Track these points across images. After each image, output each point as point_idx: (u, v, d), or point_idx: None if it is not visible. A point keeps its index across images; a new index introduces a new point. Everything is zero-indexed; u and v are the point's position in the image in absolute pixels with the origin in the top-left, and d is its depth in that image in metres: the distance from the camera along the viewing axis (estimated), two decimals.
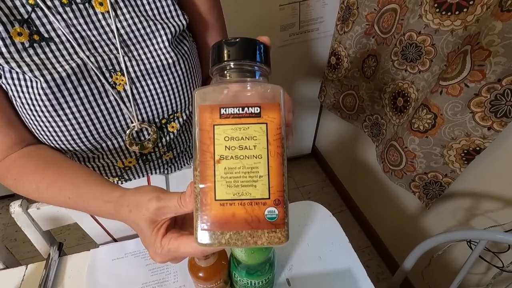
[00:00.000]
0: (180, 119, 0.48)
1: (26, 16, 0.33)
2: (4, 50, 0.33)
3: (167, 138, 0.48)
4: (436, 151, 0.78)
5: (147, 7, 0.39)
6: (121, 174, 0.49)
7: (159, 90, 0.42)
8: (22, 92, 0.35)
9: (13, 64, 0.33)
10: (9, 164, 0.38)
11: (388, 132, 0.99)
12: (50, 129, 0.38)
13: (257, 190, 0.20)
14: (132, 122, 0.42)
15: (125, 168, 0.48)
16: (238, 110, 0.21)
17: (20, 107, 0.37)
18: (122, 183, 0.51)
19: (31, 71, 0.33)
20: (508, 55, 0.56)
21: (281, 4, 1.05)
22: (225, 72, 0.22)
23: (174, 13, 0.40)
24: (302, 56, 1.23)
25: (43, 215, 0.52)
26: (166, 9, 0.40)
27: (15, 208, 0.50)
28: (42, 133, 0.39)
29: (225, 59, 0.22)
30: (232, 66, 0.22)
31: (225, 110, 0.21)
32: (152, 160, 0.50)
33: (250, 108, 0.21)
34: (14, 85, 0.35)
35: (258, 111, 0.21)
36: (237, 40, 0.22)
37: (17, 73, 0.34)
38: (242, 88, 0.21)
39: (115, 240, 0.61)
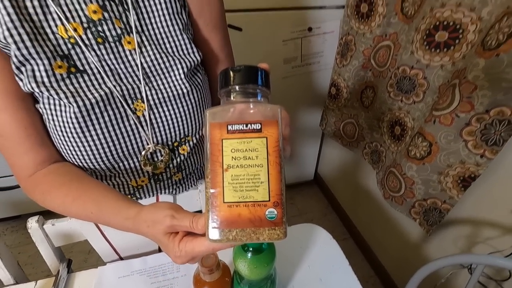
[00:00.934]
0: (191, 142, 0.52)
1: (66, 52, 0.39)
2: (46, 80, 0.38)
3: (178, 159, 0.52)
4: (433, 177, 0.81)
5: (167, 45, 0.45)
6: (134, 192, 0.53)
7: (173, 116, 0.46)
8: (56, 115, 0.40)
9: (52, 92, 0.38)
10: (38, 180, 0.42)
11: (387, 159, 1.02)
12: (76, 148, 0.42)
13: (259, 194, 0.24)
14: (147, 144, 0.47)
15: (137, 186, 0.52)
16: (243, 126, 0.25)
17: (52, 128, 0.41)
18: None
19: (66, 97, 0.39)
20: (493, 89, 0.61)
21: (284, 39, 1.13)
22: (232, 94, 0.26)
23: (190, 50, 0.46)
24: (304, 86, 1.31)
25: (56, 231, 0.55)
26: (184, 47, 0.46)
27: (32, 223, 0.53)
28: (69, 152, 0.43)
29: (231, 83, 0.26)
30: (237, 89, 0.26)
31: (232, 127, 0.25)
32: (162, 180, 0.53)
33: (252, 125, 0.25)
34: (50, 109, 0.40)
35: (259, 127, 0.25)
36: (241, 67, 0.26)
37: (53, 99, 0.39)
38: (246, 107, 0.25)
39: (121, 259, 0.63)
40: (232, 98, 0.26)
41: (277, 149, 0.24)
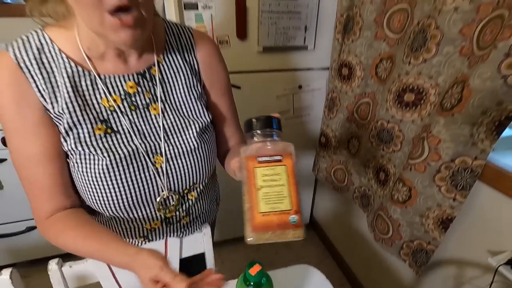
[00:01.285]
0: (198, 189, 0.61)
1: (106, 117, 0.50)
2: (87, 140, 0.48)
3: (187, 204, 0.60)
4: (416, 220, 0.89)
5: (185, 110, 0.56)
6: (147, 235, 0.60)
7: (185, 167, 0.56)
8: (90, 167, 0.49)
9: (91, 149, 0.48)
10: (54, 221, 0.50)
11: (375, 203, 1.10)
12: (104, 195, 0.51)
13: (284, 205, 0.36)
14: (162, 191, 0.55)
15: (151, 229, 0.59)
16: (268, 158, 0.37)
17: (84, 177, 0.50)
18: (145, 243, 0.61)
19: (102, 153, 0.48)
20: (454, 142, 0.73)
21: (278, 95, 1.29)
22: (255, 136, 0.39)
23: (202, 114, 0.57)
24: (297, 135, 1.43)
25: (73, 273, 0.60)
26: (197, 111, 0.57)
27: (52, 265, 0.58)
28: (96, 197, 0.51)
29: (255, 128, 0.39)
30: (259, 132, 0.39)
31: (261, 159, 0.37)
32: (172, 223, 0.61)
33: (275, 157, 0.37)
34: (85, 162, 0.49)
35: (280, 158, 0.37)
36: (261, 116, 0.40)
37: (89, 154, 0.48)
38: (268, 145, 0.38)
39: None
40: (257, 138, 0.39)
41: (294, 173, 0.37)
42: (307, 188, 1.65)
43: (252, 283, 0.45)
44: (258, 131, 0.39)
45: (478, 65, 0.64)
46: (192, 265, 0.68)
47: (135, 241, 0.61)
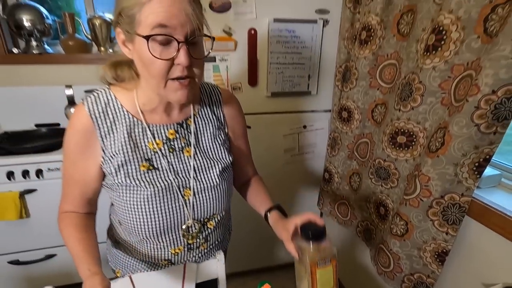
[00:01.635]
0: (216, 219, 0.70)
1: (149, 157, 0.62)
2: (135, 175, 0.60)
3: (206, 232, 0.69)
4: (414, 253, 0.94)
5: (211, 153, 0.68)
6: (170, 259, 0.68)
7: (208, 200, 0.66)
8: (134, 196, 0.60)
9: (137, 182, 0.59)
10: (65, 217, 0.64)
11: (377, 237, 1.16)
12: (141, 219, 0.61)
13: (331, 285, 0.58)
14: (188, 220, 0.65)
15: (175, 253, 0.68)
16: (324, 261, 0.57)
17: (128, 205, 0.61)
18: (168, 267, 0.70)
19: (145, 185, 0.60)
20: (441, 180, 0.82)
21: (284, 134, 1.41)
22: (312, 242, 0.58)
23: (224, 156, 0.69)
24: (302, 171, 1.53)
25: None
26: (221, 154, 0.69)
27: None
28: (135, 221, 0.61)
29: (311, 237, 0.58)
30: (314, 240, 0.58)
31: (319, 263, 0.57)
32: (193, 249, 0.69)
33: (328, 261, 0.58)
34: (131, 192, 0.60)
35: (330, 260, 0.58)
36: (316, 229, 0.59)
37: (135, 186, 0.60)
38: (322, 249, 0.58)
39: None
40: (312, 244, 0.58)
41: (336, 269, 0.58)
42: None
43: None
44: (314, 240, 0.58)
45: (456, 114, 0.75)
46: None
47: (160, 264, 0.69)
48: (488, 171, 0.89)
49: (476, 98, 0.69)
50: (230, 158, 0.70)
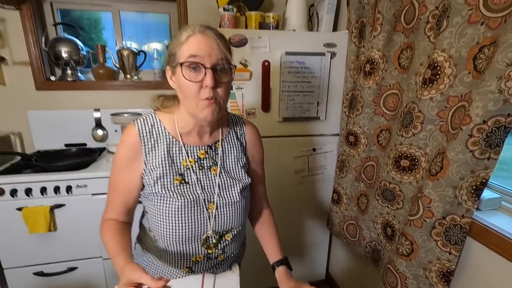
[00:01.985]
0: (233, 233, 0.78)
1: (182, 172, 0.72)
2: (169, 186, 0.70)
3: (223, 244, 0.77)
4: (420, 272, 0.98)
5: (233, 174, 0.78)
6: (191, 266, 0.76)
7: (228, 215, 0.75)
8: (167, 206, 0.69)
9: (171, 193, 0.69)
10: (106, 223, 0.74)
11: (385, 257, 1.19)
12: (170, 226, 0.70)
13: None
14: (208, 231, 0.73)
15: (195, 261, 0.75)
16: None
17: (161, 213, 0.70)
18: (188, 275, 0.77)
19: (177, 196, 0.69)
20: (442, 201, 0.87)
21: (295, 156, 1.49)
22: None
23: (244, 177, 0.79)
24: (312, 192, 1.59)
25: None
26: (241, 175, 0.79)
27: None
28: (164, 228, 0.70)
29: None
30: None
31: None
32: (211, 259, 0.77)
33: None
34: (165, 202, 0.69)
35: None
36: None
37: (169, 196, 0.69)
38: None
39: None
40: None
41: None
42: (322, 243, 1.74)
43: None
44: None
45: (452, 141, 0.83)
46: None
47: (181, 271, 0.77)
48: (488, 194, 0.94)
49: (469, 127, 0.77)
50: (249, 180, 0.80)
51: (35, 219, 1.32)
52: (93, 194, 1.39)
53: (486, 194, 0.93)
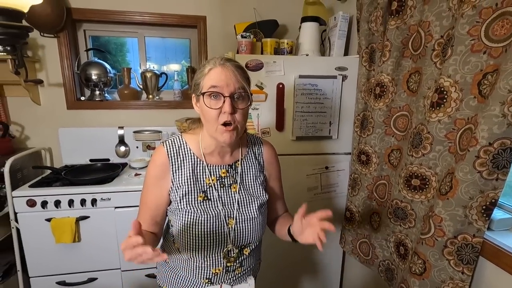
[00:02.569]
0: (251, 247, 0.83)
1: (205, 190, 0.78)
2: (193, 203, 0.76)
3: (241, 258, 0.82)
4: None
5: (252, 191, 0.84)
6: (210, 278, 0.81)
7: (247, 229, 0.80)
8: (190, 219, 0.75)
9: (195, 209, 0.75)
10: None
11: (398, 276, 1.20)
12: (192, 239, 0.75)
13: None
14: (228, 245, 0.78)
15: (215, 273, 0.80)
16: None
17: (184, 226, 0.75)
18: (208, 286, 0.82)
19: (200, 212, 0.75)
20: (453, 221, 0.90)
21: (307, 174, 1.54)
22: None
23: (262, 194, 0.85)
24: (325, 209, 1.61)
25: None
26: (259, 192, 0.85)
27: None
28: (186, 240, 0.76)
29: None
30: None
31: None
32: (229, 272, 0.81)
33: None
34: (189, 217, 0.75)
35: None
36: None
37: (193, 212, 0.75)
38: None
39: None
40: None
41: None
42: (335, 262, 1.74)
43: None
44: None
45: (460, 162, 0.86)
46: None
47: (201, 282, 0.82)
48: (500, 214, 0.95)
49: (476, 148, 0.81)
50: (267, 196, 0.86)
51: (62, 229, 1.41)
52: (115, 207, 1.48)
53: (498, 214, 0.95)
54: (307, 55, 1.52)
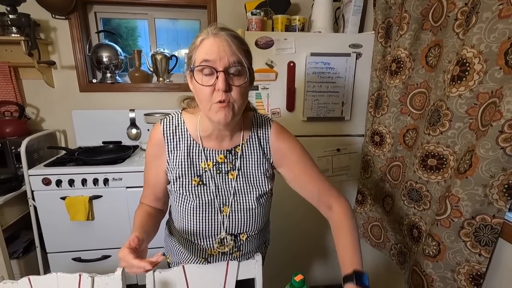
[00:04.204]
0: (248, 234, 0.79)
1: (200, 174, 0.75)
2: (187, 186, 0.74)
3: (238, 243, 0.80)
4: (448, 275, 0.95)
5: (252, 179, 0.78)
6: (207, 257, 0.81)
7: (242, 219, 0.76)
8: (184, 204, 0.74)
9: (188, 193, 0.74)
10: (140, 205, 0.80)
11: (411, 259, 1.16)
12: (187, 223, 0.74)
13: None
14: (221, 232, 0.76)
15: (211, 254, 0.80)
16: None
17: (179, 210, 0.75)
18: (205, 264, 0.82)
19: (193, 197, 0.73)
20: (471, 200, 0.85)
21: (318, 156, 1.50)
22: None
23: (263, 183, 0.78)
24: None
25: (160, 278, 0.81)
26: (261, 181, 0.78)
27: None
28: (182, 223, 0.75)
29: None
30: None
31: None
32: (226, 254, 0.81)
33: None
34: (182, 200, 0.74)
35: None
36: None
37: (187, 196, 0.74)
38: None
39: None
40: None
41: None
42: None
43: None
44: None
45: (482, 138, 0.81)
46: None
47: (198, 260, 0.82)
48: None
49: (499, 122, 0.75)
50: (269, 186, 0.79)
51: (76, 207, 1.45)
52: (127, 187, 1.50)
53: None
54: (319, 32, 1.46)
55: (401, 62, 1.15)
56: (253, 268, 0.86)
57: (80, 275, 0.77)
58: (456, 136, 0.94)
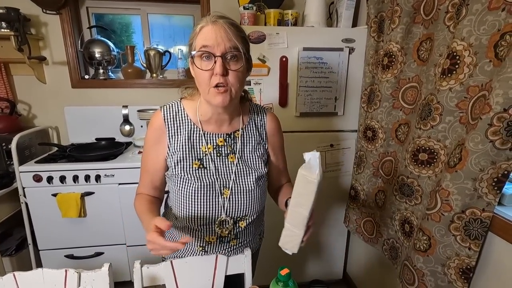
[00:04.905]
0: (247, 221, 0.81)
1: (201, 158, 0.76)
2: (188, 169, 0.75)
3: (237, 230, 0.80)
4: (438, 269, 0.95)
5: (250, 162, 0.80)
6: (204, 246, 0.80)
7: (242, 201, 0.77)
8: (185, 187, 0.74)
9: (189, 176, 0.74)
10: (138, 196, 0.82)
11: (403, 254, 1.16)
12: (187, 206, 0.75)
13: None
14: (221, 215, 0.77)
15: (208, 241, 0.79)
16: None
17: (180, 193, 0.75)
18: (202, 254, 0.81)
19: (194, 179, 0.74)
20: (461, 194, 0.85)
21: None
22: None
23: (260, 166, 0.81)
24: (330, 188, 1.58)
25: (147, 273, 0.81)
26: (258, 164, 0.81)
27: (136, 265, 0.80)
28: (181, 207, 0.75)
29: None
30: None
31: None
32: (224, 242, 0.80)
33: None
34: (183, 183, 0.74)
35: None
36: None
37: (187, 178, 0.74)
38: None
39: None
40: None
41: None
42: (340, 242, 1.71)
43: (282, 282, 0.61)
44: None
45: (471, 131, 0.80)
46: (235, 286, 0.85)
47: (195, 249, 0.82)
48: None
49: (488, 115, 0.75)
50: (266, 169, 0.83)
51: (68, 204, 1.44)
52: (119, 184, 1.49)
53: (510, 188, 0.89)
54: (312, 27, 1.45)
55: (393, 56, 1.14)
56: (242, 263, 0.86)
57: (66, 270, 0.76)
58: (447, 130, 0.93)
